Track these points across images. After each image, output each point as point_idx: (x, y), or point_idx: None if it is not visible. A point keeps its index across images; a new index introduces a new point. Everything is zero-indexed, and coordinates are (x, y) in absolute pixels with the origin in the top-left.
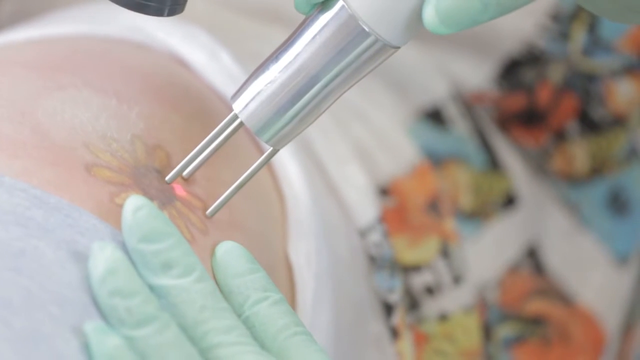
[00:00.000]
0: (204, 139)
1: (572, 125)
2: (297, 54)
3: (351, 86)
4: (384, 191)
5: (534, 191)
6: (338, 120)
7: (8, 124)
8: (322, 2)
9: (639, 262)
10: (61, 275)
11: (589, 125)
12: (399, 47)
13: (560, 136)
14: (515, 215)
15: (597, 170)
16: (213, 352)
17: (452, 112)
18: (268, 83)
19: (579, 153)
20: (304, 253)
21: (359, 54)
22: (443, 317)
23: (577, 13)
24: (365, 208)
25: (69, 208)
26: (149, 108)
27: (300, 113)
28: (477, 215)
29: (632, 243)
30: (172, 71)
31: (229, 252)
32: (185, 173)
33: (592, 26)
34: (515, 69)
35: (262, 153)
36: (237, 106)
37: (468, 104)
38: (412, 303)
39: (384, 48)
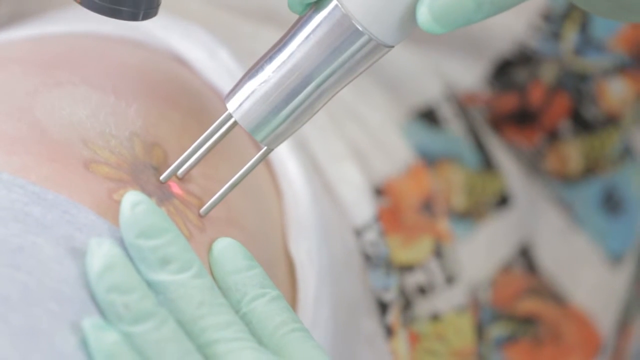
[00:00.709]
0: (201, 136)
1: (565, 125)
2: (291, 54)
3: (345, 85)
4: (378, 191)
5: (527, 191)
6: (333, 119)
7: (6, 121)
8: (316, 2)
9: (633, 261)
10: (59, 272)
11: (582, 124)
12: (392, 47)
13: (553, 136)
14: (508, 215)
15: (590, 169)
16: (211, 348)
17: (446, 112)
18: (262, 82)
19: (572, 152)
20: (305, 250)
21: (352, 53)
22: (435, 317)
23: (568, 13)
24: (362, 207)
25: (67, 204)
26: (147, 105)
27: (294, 112)
28: (470, 215)
29: (625, 242)
30: (170, 69)
31: (225, 248)
32: (179, 172)
33: (584, 26)
34: (508, 69)
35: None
36: (231, 105)
37: (462, 104)
38: (405, 303)
39: (378, 47)
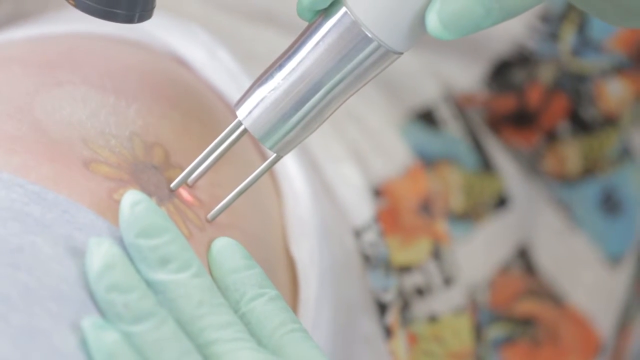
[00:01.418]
0: (202, 136)
1: (563, 126)
2: (301, 61)
3: (354, 92)
4: (377, 192)
5: (525, 192)
6: (332, 121)
7: (6, 120)
8: (325, 9)
9: (632, 262)
10: (59, 271)
11: (580, 125)
12: (402, 53)
13: (551, 137)
14: (506, 216)
15: (589, 170)
16: (210, 348)
17: (444, 113)
18: (272, 90)
19: (570, 153)
20: (307, 251)
21: (361, 60)
22: (432, 319)
23: (566, 13)
24: (361, 207)
25: (66, 204)
26: (147, 105)
27: (303, 119)
28: (468, 216)
29: (624, 243)
30: (170, 69)
31: (224, 248)
32: (189, 180)
33: (582, 26)
34: (505, 70)
35: (263, 155)
36: (241, 113)
37: (460, 105)
38: (403, 304)
39: (387, 54)
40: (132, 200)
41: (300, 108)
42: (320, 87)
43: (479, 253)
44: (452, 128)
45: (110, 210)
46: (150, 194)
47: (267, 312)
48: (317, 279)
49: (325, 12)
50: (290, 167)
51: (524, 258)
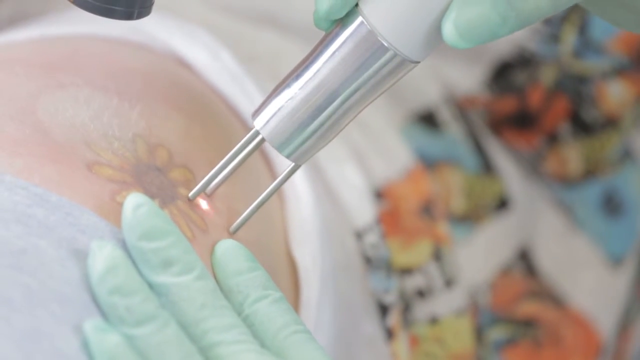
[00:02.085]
0: (205, 137)
1: (564, 128)
2: (317, 70)
3: (371, 101)
4: (378, 194)
5: (527, 194)
6: None
7: (9, 122)
8: (341, 19)
9: (633, 264)
10: (62, 274)
11: (582, 127)
12: (418, 62)
13: (552, 138)
14: (507, 218)
15: (590, 171)
16: (213, 350)
17: (445, 115)
18: (289, 99)
19: (572, 155)
20: (309, 253)
21: (378, 69)
22: (433, 321)
23: (567, 15)
24: (363, 209)
25: (70, 206)
26: (150, 107)
27: (320, 128)
28: (469, 218)
29: (625, 244)
30: (173, 71)
31: (228, 250)
32: (207, 190)
33: (583, 28)
34: (507, 72)
35: (267, 161)
36: (259, 123)
37: (461, 107)
38: (404, 306)
39: (403, 63)
40: (134, 203)
41: (317, 117)
42: (336, 96)
43: (480, 255)
44: (453, 130)
45: (113, 212)
46: (153, 196)
47: (270, 313)
48: (319, 281)
49: (342, 22)
50: None
51: (525, 260)
